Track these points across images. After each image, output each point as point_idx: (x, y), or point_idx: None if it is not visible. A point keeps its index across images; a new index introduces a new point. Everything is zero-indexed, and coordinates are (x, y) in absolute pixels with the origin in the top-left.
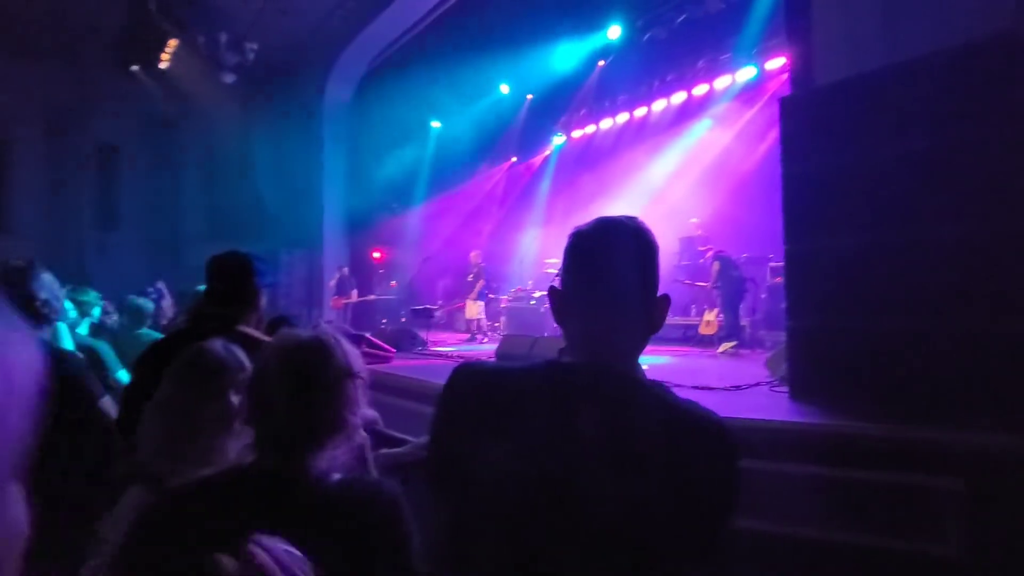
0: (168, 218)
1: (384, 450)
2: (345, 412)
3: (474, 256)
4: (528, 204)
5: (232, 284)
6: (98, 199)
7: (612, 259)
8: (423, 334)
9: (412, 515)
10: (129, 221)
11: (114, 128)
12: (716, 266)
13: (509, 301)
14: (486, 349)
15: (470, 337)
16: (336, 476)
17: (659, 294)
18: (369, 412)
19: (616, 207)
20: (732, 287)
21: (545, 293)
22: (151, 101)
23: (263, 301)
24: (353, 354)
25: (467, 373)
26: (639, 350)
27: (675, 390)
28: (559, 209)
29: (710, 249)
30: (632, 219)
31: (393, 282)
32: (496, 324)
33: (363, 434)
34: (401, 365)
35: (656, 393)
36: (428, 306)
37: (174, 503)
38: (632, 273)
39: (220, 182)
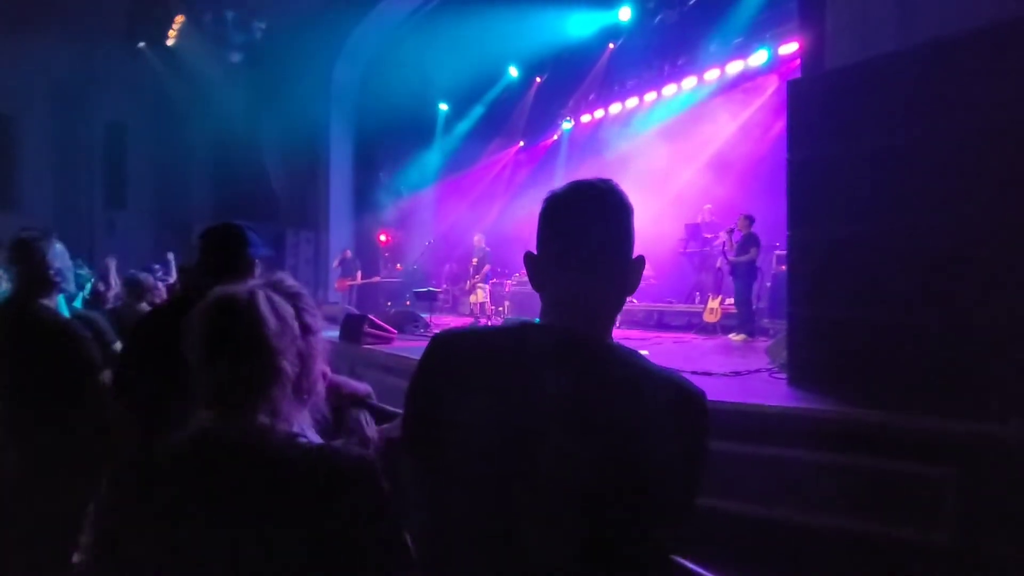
0: (176, 198)
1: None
2: (278, 361)
3: (478, 240)
4: (535, 189)
5: (224, 255)
6: (106, 177)
7: (585, 221)
8: (426, 317)
9: (391, 485)
10: (137, 200)
11: (122, 106)
12: (744, 223)
13: (514, 285)
14: None
15: (474, 321)
16: (301, 440)
17: (636, 255)
18: (362, 385)
19: (625, 192)
20: (748, 269)
21: None
22: (158, 79)
23: (256, 272)
24: (311, 306)
25: (443, 338)
26: (615, 312)
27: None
28: None
29: (717, 236)
30: (606, 181)
31: (399, 265)
32: (500, 308)
33: (354, 413)
34: (402, 346)
35: (624, 357)
36: (432, 289)
37: (138, 474)
38: (606, 235)
39: (227, 162)
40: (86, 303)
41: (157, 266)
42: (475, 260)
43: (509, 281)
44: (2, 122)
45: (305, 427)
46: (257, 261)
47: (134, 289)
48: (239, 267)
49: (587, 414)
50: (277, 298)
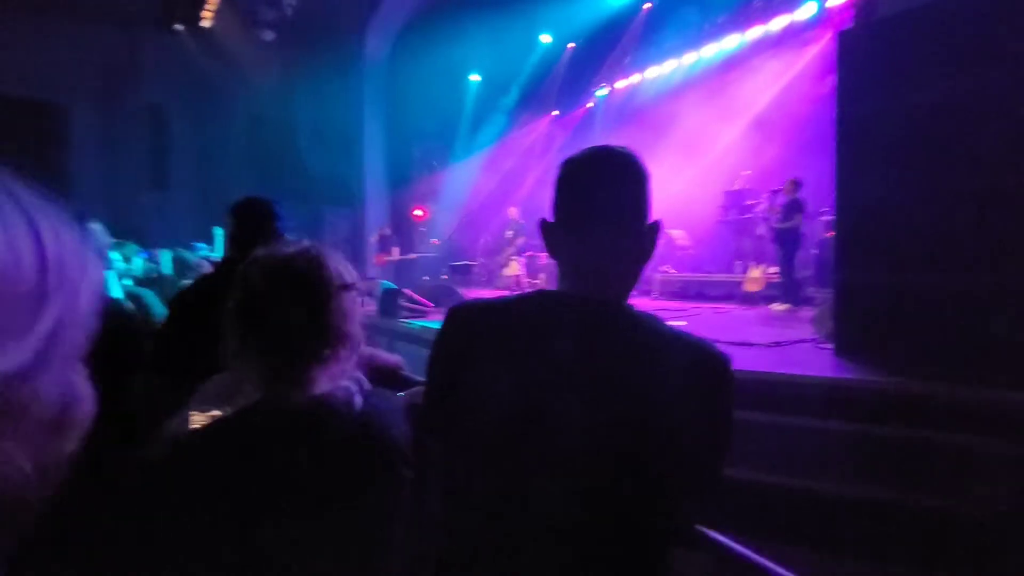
0: (216, 177)
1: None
2: (346, 324)
3: (512, 212)
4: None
5: (252, 228)
6: (151, 159)
7: (600, 186)
8: (462, 290)
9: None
10: (179, 181)
11: (162, 89)
12: (791, 187)
13: (549, 258)
14: None
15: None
16: (358, 401)
17: (652, 221)
18: (393, 357)
19: (662, 160)
20: (792, 235)
21: None
22: (195, 61)
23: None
24: (343, 264)
25: (459, 310)
26: (632, 278)
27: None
28: None
29: (760, 202)
30: (623, 148)
31: (435, 240)
32: (536, 281)
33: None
34: (439, 319)
35: (642, 321)
36: (467, 262)
37: (186, 455)
38: (621, 199)
39: (264, 141)
40: (139, 282)
41: (200, 245)
42: (509, 233)
43: (544, 254)
44: (56, 112)
45: (352, 385)
46: (284, 235)
47: (180, 265)
48: (267, 239)
49: (604, 381)
50: (340, 256)
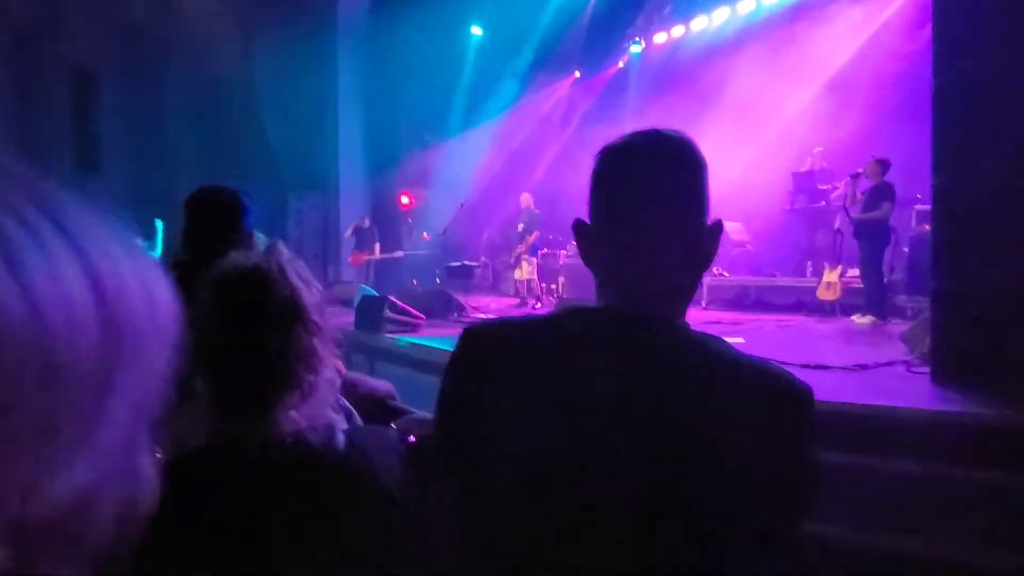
0: (156, 156)
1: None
2: (311, 351)
3: (525, 200)
4: (597, 131)
5: (214, 225)
6: (74, 135)
7: (650, 180)
8: (461, 298)
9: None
10: (110, 161)
11: (88, 47)
12: (874, 168)
13: (569, 257)
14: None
15: (520, 302)
16: (340, 438)
17: (713, 221)
18: (382, 384)
19: (711, 134)
20: (878, 229)
21: None
22: (133, 16)
23: (255, 246)
24: (306, 277)
25: (476, 333)
26: (688, 291)
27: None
28: None
29: (836, 188)
30: (675, 132)
31: (425, 234)
32: (553, 286)
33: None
34: (432, 334)
35: (702, 344)
36: (467, 263)
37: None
38: (674, 195)
39: (215, 113)
40: None
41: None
42: (520, 226)
43: (563, 252)
44: None
45: (333, 417)
46: (254, 232)
47: None
48: (234, 240)
49: (655, 419)
50: (303, 266)
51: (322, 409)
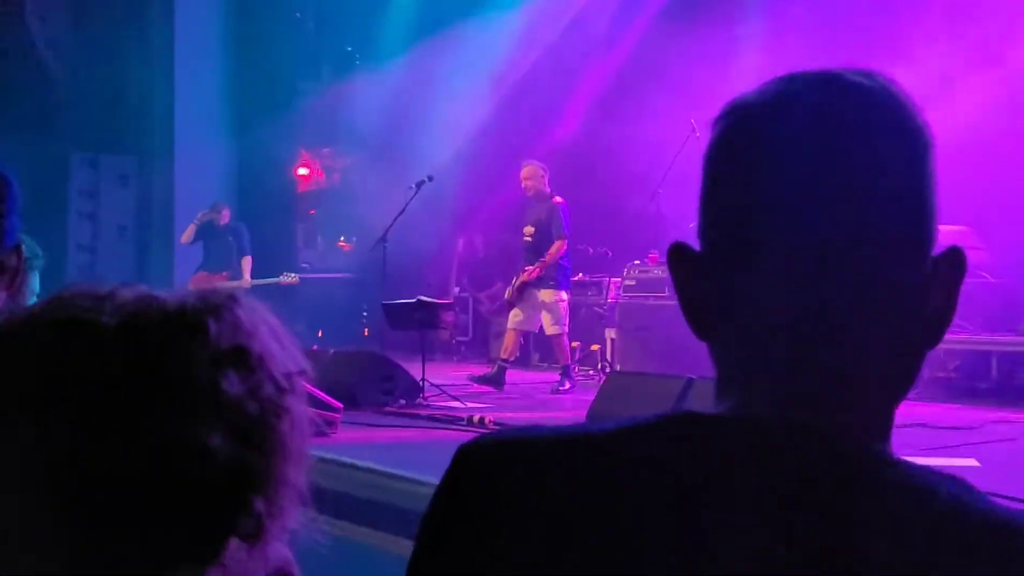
0: None
1: None
2: (211, 514)
3: (531, 177)
4: (680, 59)
5: None
6: None
7: (826, 172)
8: (411, 367)
9: None
10: None
11: None
12: None
13: (625, 289)
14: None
15: (494, 370)
16: None
17: (943, 249)
18: (279, 550)
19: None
20: None
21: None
22: None
23: (22, 250)
24: (268, 340)
25: (491, 451)
26: (898, 388)
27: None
28: (736, 73)
29: None
30: (868, 74)
31: (344, 241)
32: (594, 348)
33: None
34: (357, 440)
35: (931, 492)
36: (425, 299)
37: None
38: (880, 201)
39: None
40: None
41: None
42: (529, 230)
43: (615, 281)
44: None
45: None
46: (18, 237)
47: None
48: None
49: None
50: (258, 310)
51: None
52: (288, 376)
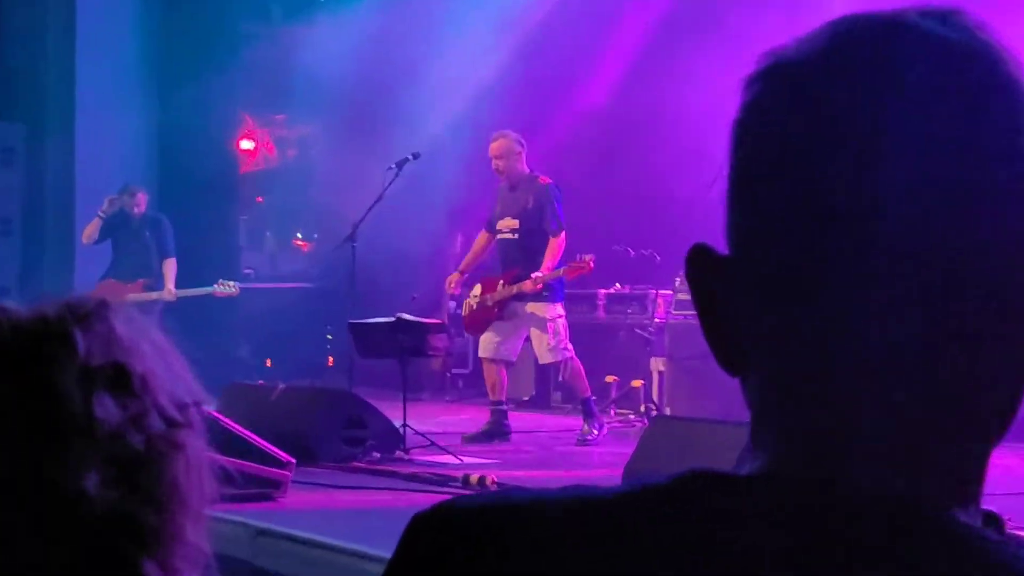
0: None
1: None
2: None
3: (503, 149)
4: (715, 3)
5: None
6: None
7: (920, 149)
8: (391, 407)
9: None
10: None
11: None
12: None
13: (676, 305)
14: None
15: (492, 421)
16: None
17: None
18: None
19: None
20: None
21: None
22: None
23: None
24: (155, 376)
25: (452, 523)
26: (995, 440)
27: None
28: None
29: None
30: (945, 20)
31: (301, 239)
32: (635, 384)
33: None
34: (312, 506)
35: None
36: (409, 317)
37: None
38: (997, 191)
39: None
40: None
41: None
42: (510, 223)
43: (663, 292)
44: None
45: None
46: None
47: None
48: None
49: None
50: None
51: None
52: (181, 407)
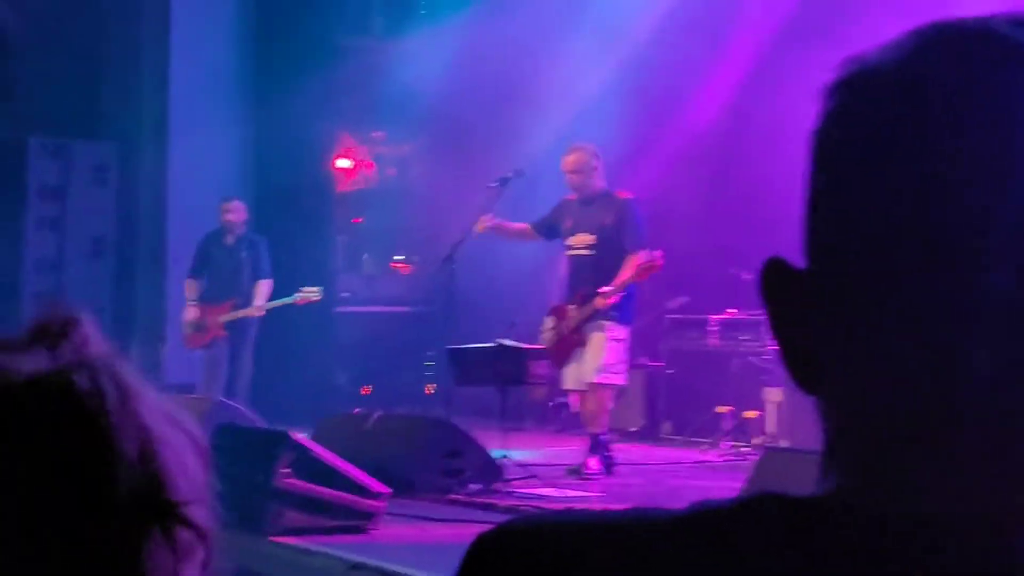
0: None
1: None
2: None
3: (578, 163)
4: (843, 3)
5: None
6: None
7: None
8: (490, 436)
9: None
10: None
11: None
12: None
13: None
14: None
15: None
16: None
17: None
18: None
19: None
20: None
21: None
22: None
23: None
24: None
25: (515, 541)
26: None
27: None
28: None
29: None
30: None
31: (400, 261)
32: (748, 416)
33: None
34: (407, 539)
35: None
36: (510, 343)
37: None
38: None
39: None
40: None
41: None
42: (585, 238)
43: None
44: None
45: None
46: None
47: None
48: None
49: None
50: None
51: None
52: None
